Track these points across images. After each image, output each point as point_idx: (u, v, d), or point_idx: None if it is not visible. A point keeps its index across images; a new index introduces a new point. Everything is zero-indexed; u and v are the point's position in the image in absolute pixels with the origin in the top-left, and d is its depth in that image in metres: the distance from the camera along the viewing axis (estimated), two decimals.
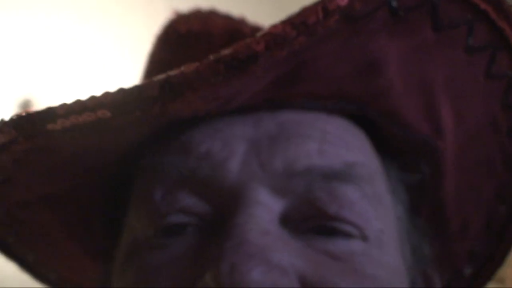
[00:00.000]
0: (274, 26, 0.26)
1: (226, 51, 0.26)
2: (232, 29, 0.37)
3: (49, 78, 1.71)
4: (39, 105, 1.77)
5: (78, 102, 0.27)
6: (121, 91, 0.27)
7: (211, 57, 0.26)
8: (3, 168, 0.30)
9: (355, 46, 0.30)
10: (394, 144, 0.35)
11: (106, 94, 0.27)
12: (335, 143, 0.32)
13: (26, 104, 1.76)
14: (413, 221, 0.37)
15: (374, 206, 0.32)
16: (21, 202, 0.35)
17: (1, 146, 0.28)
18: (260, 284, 0.26)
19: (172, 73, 0.26)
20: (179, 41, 0.37)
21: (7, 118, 0.28)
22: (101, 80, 1.61)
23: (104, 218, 0.38)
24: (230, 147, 0.31)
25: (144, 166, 0.33)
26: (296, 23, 0.26)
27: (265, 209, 0.29)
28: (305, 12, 0.26)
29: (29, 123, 0.27)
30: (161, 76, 0.26)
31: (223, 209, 0.30)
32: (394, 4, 0.29)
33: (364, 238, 0.30)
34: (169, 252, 0.30)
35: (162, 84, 0.26)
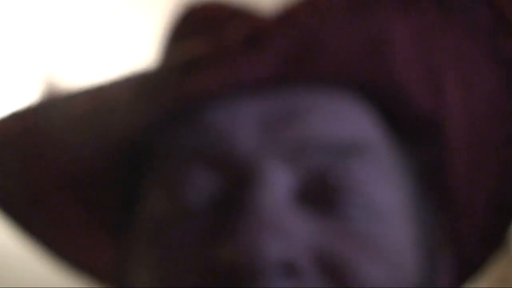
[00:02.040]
0: (286, 7, 0.27)
1: (242, 31, 0.27)
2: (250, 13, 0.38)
3: (73, 53, 1.72)
4: (63, 80, 1.79)
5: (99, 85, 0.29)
6: (143, 75, 0.28)
7: (227, 36, 0.27)
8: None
9: (363, 24, 0.31)
10: (403, 123, 0.37)
11: (129, 78, 0.28)
12: (344, 119, 0.33)
13: (50, 79, 1.78)
14: (423, 198, 0.38)
15: (382, 179, 0.33)
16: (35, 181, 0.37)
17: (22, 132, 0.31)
18: (277, 255, 0.27)
19: (192, 53, 0.28)
20: (201, 24, 0.38)
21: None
22: (125, 54, 1.61)
23: (121, 191, 0.39)
24: (239, 123, 0.32)
25: (158, 144, 0.35)
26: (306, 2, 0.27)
27: (278, 183, 0.30)
28: None
29: (52, 107, 0.29)
30: (182, 58, 0.28)
31: (238, 184, 0.31)
32: None
33: (372, 212, 0.32)
34: (189, 229, 0.31)
35: (182, 65, 0.28)
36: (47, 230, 0.41)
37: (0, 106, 1.84)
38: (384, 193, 0.33)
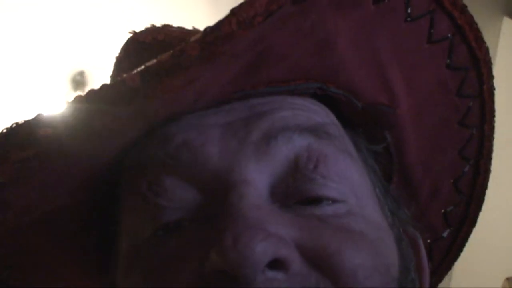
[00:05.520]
0: (241, 7, 0.28)
1: (198, 35, 0.27)
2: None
3: (102, 50, 1.75)
4: (91, 77, 1.83)
5: (68, 104, 0.28)
6: (105, 86, 0.28)
7: (183, 43, 0.27)
8: None
9: (307, 27, 0.32)
10: (357, 119, 0.37)
11: (90, 91, 0.28)
12: (305, 110, 0.34)
13: (79, 76, 1.81)
14: (385, 187, 0.38)
15: (347, 160, 0.34)
16: (14, 229, 0.35)
17: None
18: (263, 252, 0.27)
19: (149, 63, 0.28)
20: (146, 49, 0.39)
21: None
22: None
23: (99, 234, 0.38)
24: (206, 134, 0.32)
25: (127, 165, 0.34)
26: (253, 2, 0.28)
27: (252, 186, 0.31)
28: None
29: (23, 131, 0.28)
30: (140, 68, 0.28)
31: (213, 194, 0.31)
32: None
33: (343, 197, 0.32)
34: (170, 247, 0.31)
35: (142, 74, 0.27)
36: (25, 279, 0.39)
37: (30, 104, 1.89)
38: (348, 172, 0.33)
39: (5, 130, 0.28)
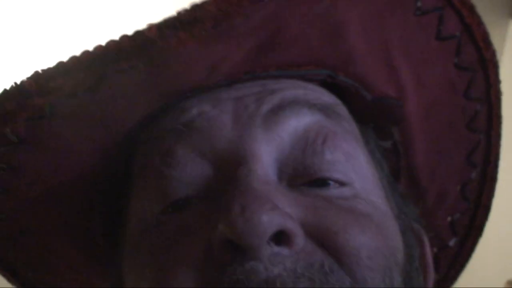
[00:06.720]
0: None
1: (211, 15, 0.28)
2: None
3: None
4: None
5: (85, 52, 0.28)
6: (124, 36, 0.28)
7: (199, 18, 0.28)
8: (9, 144, 0.30)
9: (320, 11, 0.32)
10: (365, 112, 0.37)
11: (110, 41, 0.28)
12: (315, 91, 0.35)
13: None
14: (392, 182, 0.38)
15: (354, 142, 0.34)
16: (24, 201, 0.35)
17: (12, 111, 0.29)
18: (269, 221, 0.27)
19: (167, 17, 0.28)
20: None
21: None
22: None
23: (105, 220, 0.38)
24: (220, 106, 0.33)
25: (142, 140, 0.35)
26: None
27: (260, 162, 0.31)
28: None
29: (35, 82, 0.28)
30: (159, 21, 0.28)
31: (223, 169, 0.31)
32: None
33: (350, 180, 0.32)
34: (178, 223, 0.31)
35: (159, 25, 0.28)
36: (31, 272, 0.40)
37: None
38: (354, 153, 0.33)
39: (18, 83, 0.28)
